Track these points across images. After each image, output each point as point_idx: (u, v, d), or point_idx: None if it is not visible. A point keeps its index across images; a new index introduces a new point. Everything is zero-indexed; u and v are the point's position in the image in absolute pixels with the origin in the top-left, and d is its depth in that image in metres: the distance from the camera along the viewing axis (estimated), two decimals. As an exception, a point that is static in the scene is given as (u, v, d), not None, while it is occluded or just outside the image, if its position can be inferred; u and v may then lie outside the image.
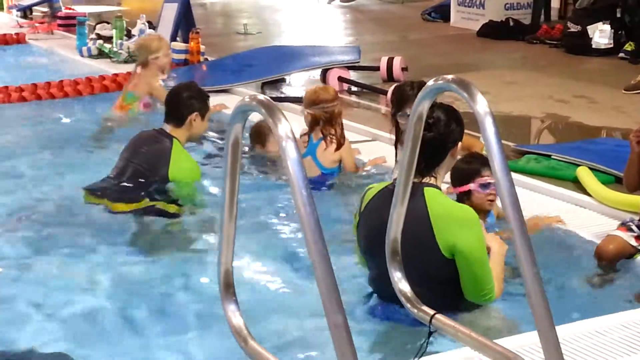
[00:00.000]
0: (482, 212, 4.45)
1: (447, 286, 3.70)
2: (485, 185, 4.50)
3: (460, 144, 3.86)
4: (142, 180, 5.29)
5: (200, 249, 4.87)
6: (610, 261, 4.53)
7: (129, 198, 5.25)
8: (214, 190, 5.51)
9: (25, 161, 6.42)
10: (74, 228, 5.10)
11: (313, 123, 5.70)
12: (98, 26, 11.75)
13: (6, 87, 8.49)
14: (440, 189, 3.80)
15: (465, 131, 3.89)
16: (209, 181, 5.64)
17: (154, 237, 5.06)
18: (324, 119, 5.66)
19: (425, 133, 3.54)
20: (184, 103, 5.37)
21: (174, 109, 5.39)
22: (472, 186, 4.51)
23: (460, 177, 4.55)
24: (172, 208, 5.21)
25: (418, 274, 3.32)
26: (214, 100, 8.00)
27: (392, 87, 5.39)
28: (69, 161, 6.42)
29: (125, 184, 5.33)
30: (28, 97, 8.41)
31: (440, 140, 3.75)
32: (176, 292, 4.35)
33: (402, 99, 5.14)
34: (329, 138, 5.68)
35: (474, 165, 4.54)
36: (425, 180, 3.76)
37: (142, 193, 5.26)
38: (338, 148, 5.69)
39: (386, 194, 3.71)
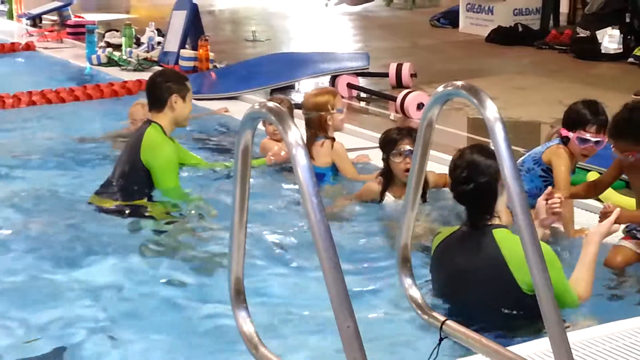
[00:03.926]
0: (573, 160, 4.96)
1: (520, 310, 3.73)
2: (583, 140, 4.84)
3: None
4: (125, 175, 5.36)
5: (207, 255, 4.87)
6: (619, 271, 4.53)
7: (116, 196, 5.34)
8: (210, 194, 5.57)
9: (34, 165, 6.46)
10: (76, 231, 5.13)
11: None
12: (107, 34, 11.79)
13: (15, 93, 8.55)
14: (507, 227, 3.82)
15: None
16: (205, 185, 5.70)
17: (156, 240, 5.05)
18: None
19: (465, 187, 3.61)
20: (161, 87, 5.41)
21: (153, 96, 5.45)
22: (571, 135, 4.85)
23: (572, 120, 4.89)
24: (158, 210, 5.25)
25: (494, 308, 3.46)
26: (222, 106, 8.09)
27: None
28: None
29: (114, 181, 5.42)
30: (38, 102, 8.46)
31: (484, 184, 3.74)
32: (184, 299, 4.35)
33: (390, 142, 5.20)
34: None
35: (588, 115, 4.83)
36: (491, 222, 3.79)
37: (128, 191, 5.33)
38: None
39: (455, 239, 3.81)
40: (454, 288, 3.80)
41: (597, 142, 4.90)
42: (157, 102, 5.41)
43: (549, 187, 4.40)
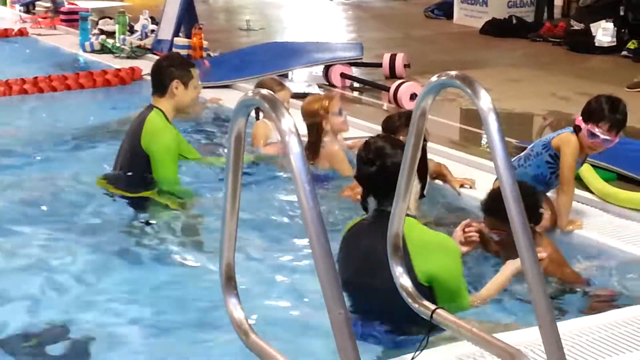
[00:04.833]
0: (583, 151, 4.92)
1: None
2: (592, 134, 4.82)
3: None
4: (127, 162, 5.35)
5: (199, 242, 4.88)
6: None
7: (118, 183, 5.35)
8: (208, 183, 5.54)
9: (33, 152, 6.45)
10: (81, 215, 5.15)
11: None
12: (101, 21, 11.76)
13: (6, 81, 8.53)
14: (414, 217, 3.76)
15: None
16: (204, 174, 5.67)
17: (151, 228, 5.04)
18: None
19: (369, 168, 3.60)
20: (164, 72, 5.37)
21: (156, 80, 5.41)
22: (583, 126, 4.84)
23: (589, 111, 4.87)
24: (157, 198, 5.23)
25: (392, 299, 3.19)
26: (215, 95, 8.09)
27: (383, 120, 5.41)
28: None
29: (118, 169, 5.43)
30: (30, 90, 8.44)
31: (390, 166, 3.61)
32: (175, 286, 4.36)
33: (392, 131, 5.16)
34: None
35: (605, 112, 4.81)
36: None
37: (131, 178, 5.32)
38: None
39: (363, 226, 3.77)
40: (360, 272, 3.70)
41: (604, 140, 4.86)
42: (159, 86, 5.36)
43: (467, 220, 4.31)
